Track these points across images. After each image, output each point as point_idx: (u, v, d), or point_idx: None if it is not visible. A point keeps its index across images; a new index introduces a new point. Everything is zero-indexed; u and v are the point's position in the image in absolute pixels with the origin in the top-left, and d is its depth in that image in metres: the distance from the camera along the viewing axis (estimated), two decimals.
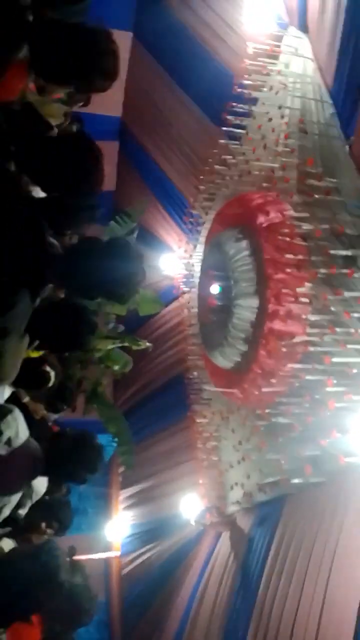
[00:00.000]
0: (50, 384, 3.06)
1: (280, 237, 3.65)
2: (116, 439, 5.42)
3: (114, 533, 6.72)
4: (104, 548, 6.65)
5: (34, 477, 1.74)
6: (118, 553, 6.63)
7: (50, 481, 1.96)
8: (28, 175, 1.55)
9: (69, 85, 1.59)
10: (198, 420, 5.41)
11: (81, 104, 4.35)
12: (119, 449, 5.57)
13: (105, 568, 6.67)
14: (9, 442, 1.53)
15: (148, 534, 6.16)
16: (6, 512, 1.58)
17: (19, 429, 1.60)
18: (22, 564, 1.49)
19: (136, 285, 1.70)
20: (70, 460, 1.77)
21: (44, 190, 1.66)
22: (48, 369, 3.01)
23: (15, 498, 1.63)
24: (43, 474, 1.80)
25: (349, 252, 3.13)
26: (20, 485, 1.67)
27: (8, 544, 1.99)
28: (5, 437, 1.53)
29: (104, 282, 1.67)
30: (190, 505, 5.15)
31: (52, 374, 3.06)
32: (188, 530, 5.23)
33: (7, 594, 1.40)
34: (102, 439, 6.33)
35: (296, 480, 3.55)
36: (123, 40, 5.81)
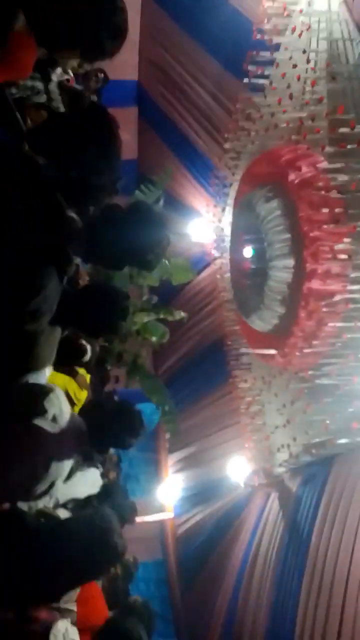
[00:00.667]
0: (87, 357, 3.12)
1: (314, 192, 3.48)
2: (160, 408, 5.52)
3: (166, 496, 6.95)
4: (157, 511, 6.91)
5: (80, 449, 1.80)
6: (171, 515, 6.88)
7: (96, 450, 2.02)
8: (43, 155, 1.51)
9: (75, 50, 1.48)
10: (240, 386, 5.41)
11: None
12: (164, 418, 5.68)
13: (160, 529, 6.96)
14: (54, 419, 1.59)
15: (198, 496, 6.33)
16: (59, 484, 1.65)
17: (62, 406, 1.65)
18: (76, 528, 1.54)
19: (162, 249, 1.66)
20: (111, 428, 1.81)
21: (59, 169, 1.61)
22: (84, 342, 3.06)
23: (66, 471, 1.69)
24: (90, 444, 1.85)
25: None
26: (69, 459, 1.73)
27: (64, 513, 2.10)
28: (50, 415, 1.58)
29: (128, 249, 1.64)
30: (237, 468, 5.23)
31: (89, 347, 3.11)
32: (237, 492, 5.34)
33: (63, 558, 1.45)
34: (146, 407, 6.51)
35: (343, 440, 3.51)
36: None
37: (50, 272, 1.47)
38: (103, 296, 1.85)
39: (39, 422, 1.54)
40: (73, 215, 1.71)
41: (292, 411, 4.34)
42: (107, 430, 1.79)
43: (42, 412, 1.55)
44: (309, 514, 3.81)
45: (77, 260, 1.78)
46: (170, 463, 7.16)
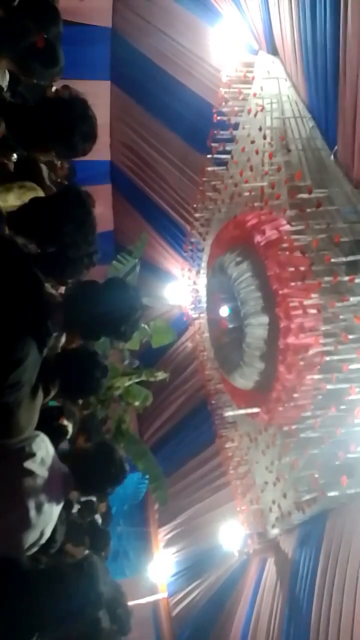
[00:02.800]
0: (68, 436, 3.08)
1: (280, 252, 3.68)
2: (146, 476, 5.36)
3: (158, 574, 6.55)
4: (149, 590, 6.47)
5: (67, 493, 1.77)
6: (165, 594, 6.45)
7: (82, 492, 1.98)
8: (23, 235, 1.62)
9: (51, 151, 1.69)
10: (227, 445, 5.34)
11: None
12: (151, 485, 5.51)
13: (153, 611, 6.48)
14: (42, 462, 1.58)
15: (193, 569, 6.00)
16: (47, 532, 1.60)
17: (48, 449, 1.65)
18: (67, 574, 1.51)
19: (135, 321, 1.74)
20: (95, 466, 1.80)
21: (40, 246, 1.72)
22: (65, 422, 3.03)
23: (55, 517, 1.65)
24: (74, 488, 1.82)
25: (349, 258, 3.14)
26: (58, 504, 1.69)
27: None
28: (39, 458, 1.58)
29: (103, 322, 1.72)
30: (230, 534, 5.02)
31: (70, 426, 3.08)
32: (232, 560, 5.09)
33: (57, 605, 1.42)
34: (132, 477, 6.28)
35: (333, 494, 3.46)
36: (102, 88, 6.07)
37: (30, 345, 1.53)
38: (81, 357, 1.90)
39: (28, 464, 1.52)
40: (52, 290, 1.80)
41: (281, 467, 4.28)
42: (91, 468, 1.78)
43: (31, 455, 1.54)
44: (307, 579, 3.65)
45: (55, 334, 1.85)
46: (161, 535, 6.82)
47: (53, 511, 1.61)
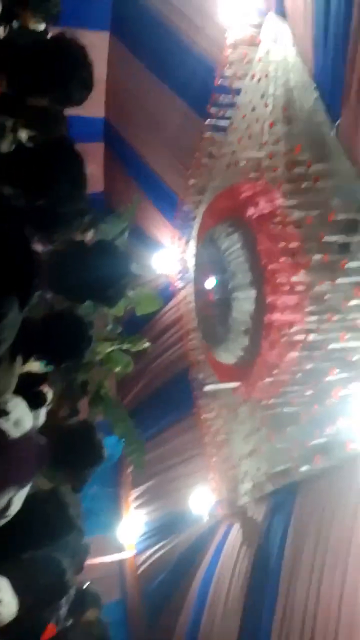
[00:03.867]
0: (47, 403, 3.05)
1: (272, 226, 3.63)
2: (124, 440, 5.42)
3: (127, 533, 6.74)
4: (118, 548, 6.67)
5: (41, 466, 1.76)
6: (133, 552, 6.66)
7: (55, 469, 2.00)
8: (10, 185, 1.54)
9: (46, 97, 1.59)
10: (204, 415, 5.41)
11: None
12: (128, 449, 5.58)
13: (119, 568, 6.70)
14: (17, 423, 1.56)
15: (161, 530, 6.18)
16: (15, 503, 1.59)
17: (24, 414, 1.62)
18: (40, 505, 1.64)
19: (123, 286, 1.69)
20: (72, 447, 1.79)
21: (27, 200, 1.64)
22: (46, 389, 2.99)
23: (25, 490, 1.64)
24: (50, 463, 1.81)
25: (342, 238, 3.11)
26: (30, 476, 1.68)
27: None
28: (13, 417, 1.55)
29: (91, 285, 1.67)
30: (201, 500, 5.16)
31: (50, 394, 3.05)
32: (201, 525, 5.25)
33: (31, 531, 1.55)
34: (109, 440, 6.37)
35: (305, 468, 3.55)
36: (101, 40, 5.74)
37: (11, 302, 1.47)
38: (67, 324, 1.86)
39: (0, 423, 1.50)
40: (37, 247, 1.73)
41: (258, 439, 4.37)
42: (68, 446, 1.76)
43: (4, 413, 1.51)
44: (277, 546, 3.74)
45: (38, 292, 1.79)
46: (132, 497, 6.98)
47: (23, 481, 1.59)
